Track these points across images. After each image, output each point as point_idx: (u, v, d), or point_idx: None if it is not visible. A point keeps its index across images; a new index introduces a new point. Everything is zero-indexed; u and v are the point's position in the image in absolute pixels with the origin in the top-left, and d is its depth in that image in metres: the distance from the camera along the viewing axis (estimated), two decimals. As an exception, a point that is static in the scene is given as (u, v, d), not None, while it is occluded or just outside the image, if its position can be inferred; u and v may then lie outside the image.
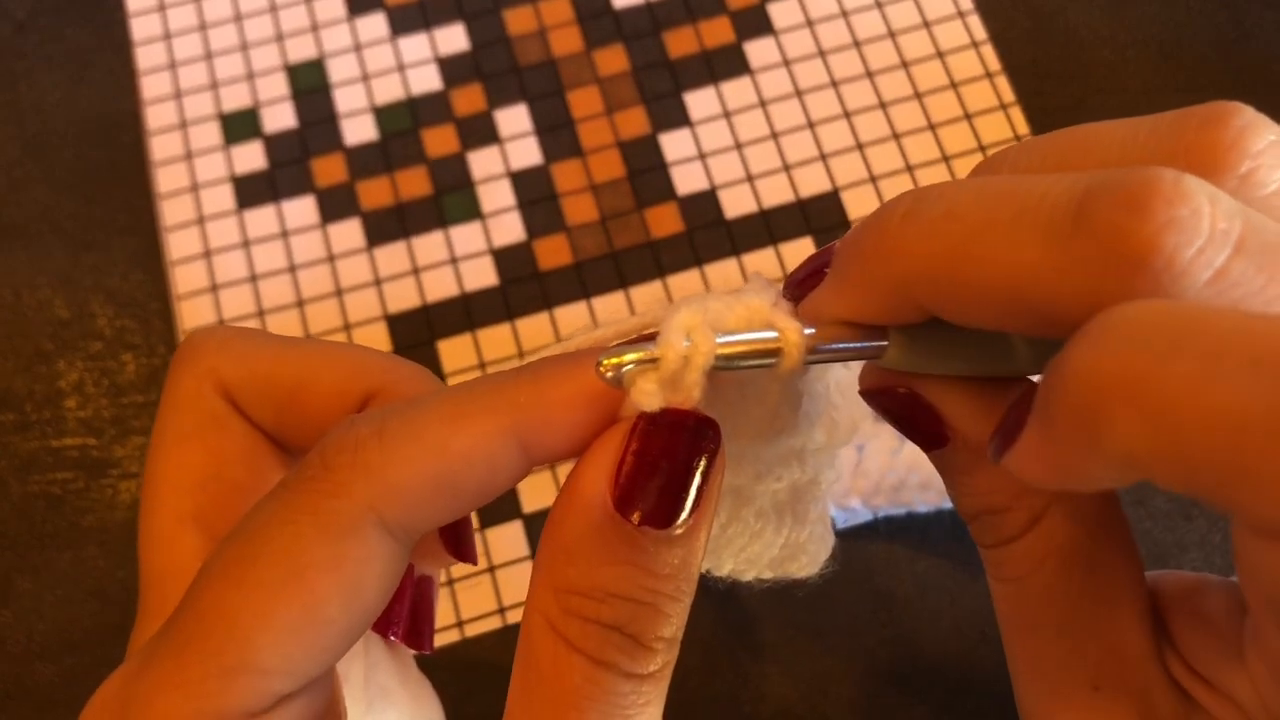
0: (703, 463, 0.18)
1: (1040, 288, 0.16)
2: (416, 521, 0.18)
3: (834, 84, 0.46)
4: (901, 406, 0.20)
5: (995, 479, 0.20)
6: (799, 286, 0.20)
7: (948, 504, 0.36)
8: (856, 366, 0.22)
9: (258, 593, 0.18)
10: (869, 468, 0.35)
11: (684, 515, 0.18)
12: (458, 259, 0.43)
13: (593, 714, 0.18)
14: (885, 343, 0.19)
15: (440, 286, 0.43)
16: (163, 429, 0.23)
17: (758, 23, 0.47)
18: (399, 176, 0.45)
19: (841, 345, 0.19)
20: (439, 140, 0.45)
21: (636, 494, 0.18)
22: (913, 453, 0.35)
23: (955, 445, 0.20)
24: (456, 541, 0.23)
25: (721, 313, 0.19)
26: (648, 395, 0.18)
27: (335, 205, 0.44)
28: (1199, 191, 0.15)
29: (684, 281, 0.43)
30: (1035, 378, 0.19)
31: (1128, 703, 0.19)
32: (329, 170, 0.45)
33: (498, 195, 0.44)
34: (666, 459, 0.18)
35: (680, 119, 0.45)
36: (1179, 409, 0.14)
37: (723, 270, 0.43)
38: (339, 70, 0.46)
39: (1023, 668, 0.20)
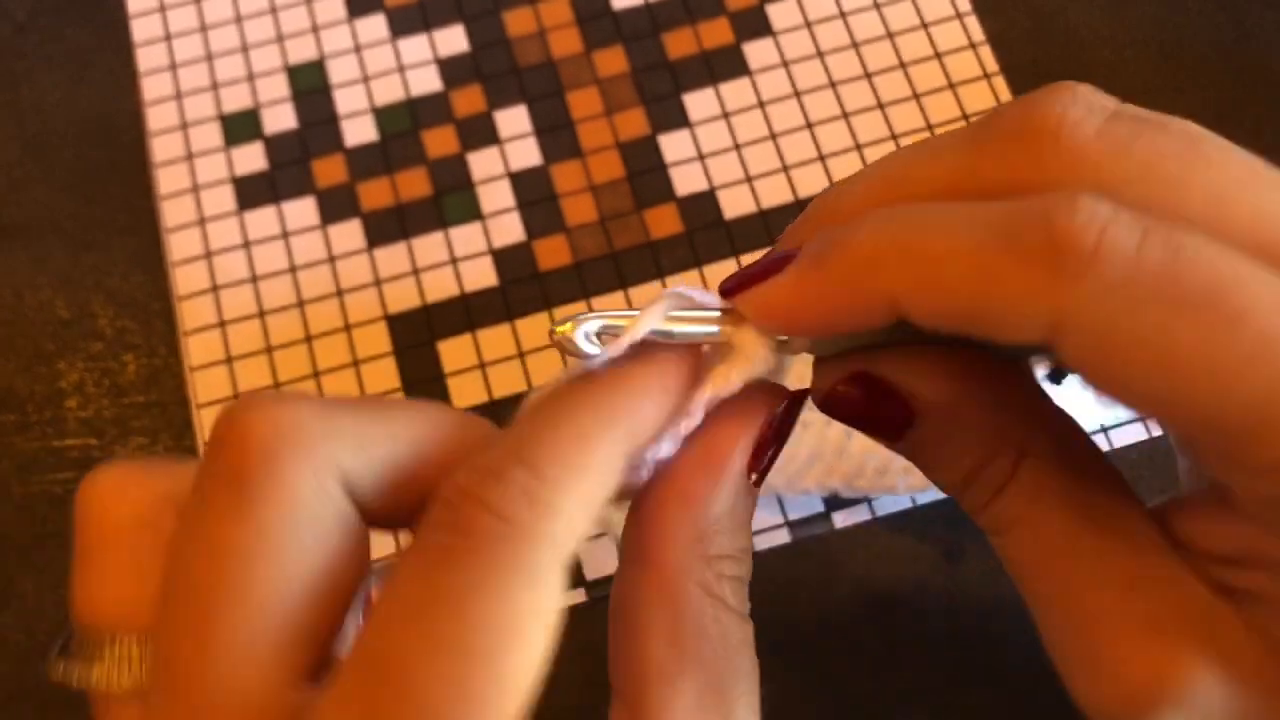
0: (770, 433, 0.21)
1: (1002, 301, 0.18)
2: (578, 544, 0.19)
3: (833, 85, 0.46)
4: (864, 399, 0.21)
5: (969, 438, 0.20)
6: (740, 286, 0.21)
7: (930, 492, 0.37)
8: None
9: (475, 660, 0.17)
10: (854, 452, 0.36)
11: (762, 474, 0.21)
12: (458, 259, 0.43)
13: (749, 659, 0.21)
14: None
15: (440, 287, 0.43)
16: (271, 537, 0.18)
17: (757, 24, 0.47)
18: (399, 177, 0.45)
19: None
20: (439, 141, 0.45)
21: (761, 463, 0.21)
22: None
23: (924, 420, 0.21)
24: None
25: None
26: (729, 381, 0.21)
27: (335, 206, 0.44)
28: (1074, 83, 0.19)
29: (683, 282, 0.43)
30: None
31: (1158, 595, 0.19)
32: (329, 171, 0.45)
33: (497, 196, 0.44)
34: (787, 432, 0.21)
35: (679, 120, 0.45)
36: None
37: (722, 270, 0.43)
38: (339, 71, 0.46)
39: (1052, 607, 0.20)
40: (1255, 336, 0.16)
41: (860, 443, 0.35)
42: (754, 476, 0.21)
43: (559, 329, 0.20)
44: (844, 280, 0.19)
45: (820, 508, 0.39)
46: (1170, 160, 0.18)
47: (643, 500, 0.21)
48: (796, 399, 0.22)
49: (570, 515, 0.18)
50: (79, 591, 0.20)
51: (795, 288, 0.20)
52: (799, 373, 0.22)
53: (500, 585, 0.17)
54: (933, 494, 0.37)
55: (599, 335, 0.20)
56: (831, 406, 0.21)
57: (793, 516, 0.39)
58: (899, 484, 0.36)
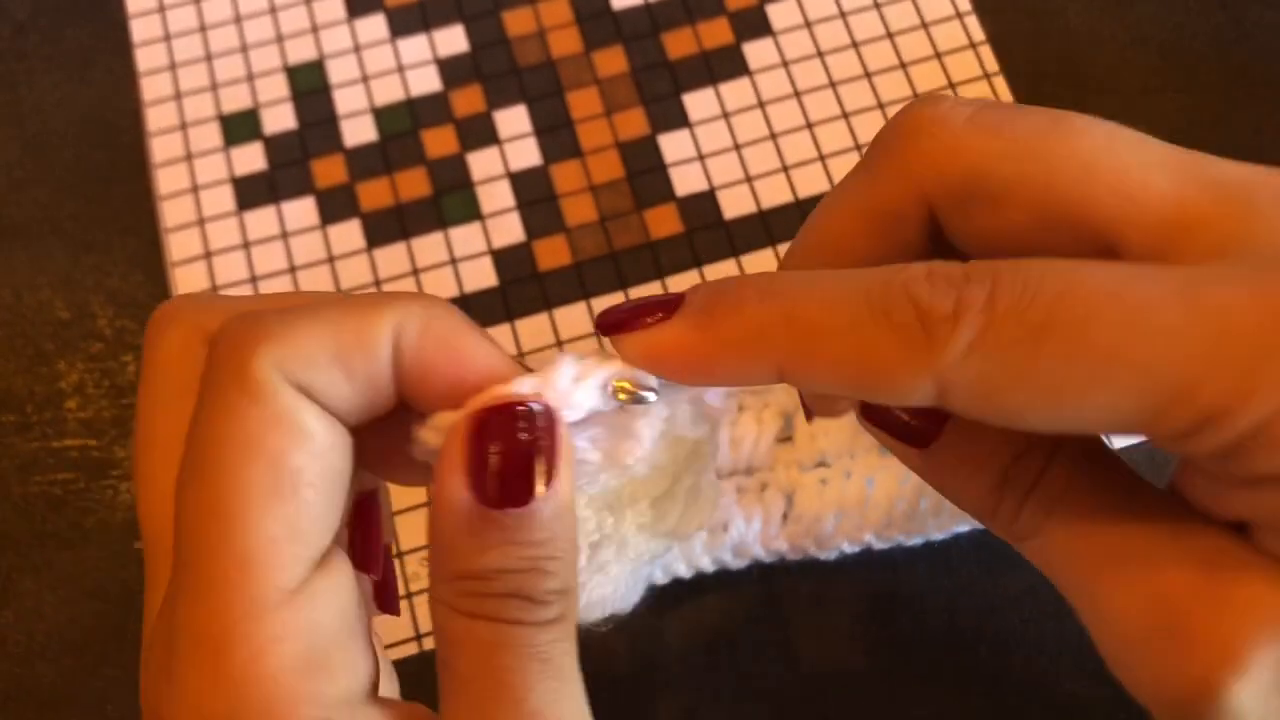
0: (541, 439, 0.20)
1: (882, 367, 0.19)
2: (321, 384, 0.20)
3: (833, 85, 0.46)
4: (901, 409, 0.22)
5: (998, 437, 0.21)
6: (620, 326, 0.21)
7: (961, 528, 0.36)
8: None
9: (224, 475, 0.19)
10: (878, 500, 0.35)
11: (539, 489, 0.20)
12: (457, 260, 0.43)
13: (508, 657, 0.20)
14: None
15: (440, 287, 0.43)
16: (154, 387, 0.22)
17: (756, 24, 0.47)
18: (399, 177, 0.45)
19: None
20: (438, 141, 0.45)
21: (490, 483, 0.20)
22: (919, 480, 0.35)
23: (954, 423, 0.21)
24: (388, 594, 0.25)
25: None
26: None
27: (335, 206, 0.44)
28: (941, 92, 0.21)
29: (683, 281, 0.43)
30: None
31: (1216, 571, 0.19)
32: (329, 171, 0.45)
33: (497, 196, 0.44)
34: (504, 445, 0.20)
35: (679, 120, 0.45)
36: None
37: (722, 270, 0.43)
38: (339, 72, 0.46)
39: (1096, 604, 0.20)
40: (1109, 332, 0.17)
41: (883, 490, 0.35)
42: (520, 499, 0.20)
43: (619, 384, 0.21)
44: (732, 345, 0.20)
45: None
46: (1038, 137, 0.20)
47: None
48: (486, 410, 0.21)
49: (289, 339, 0.20)
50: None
51: (680, 341, 0.20)
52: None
53: (225, 404, 0.19)
54: (960, 529, 0.36)
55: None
56: (869, 415, 0.23)
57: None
58: (929, 525, 0.36)
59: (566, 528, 0.21)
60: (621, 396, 0.21)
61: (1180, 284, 0.17)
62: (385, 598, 0.25)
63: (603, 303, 0.42)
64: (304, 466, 0.20)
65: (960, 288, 0.18)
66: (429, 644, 0.37)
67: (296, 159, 0.45)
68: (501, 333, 0.42)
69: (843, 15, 0.47)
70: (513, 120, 0.45)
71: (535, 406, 0.21)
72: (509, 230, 0.44)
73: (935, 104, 0.21)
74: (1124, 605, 0.20)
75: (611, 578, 0.25)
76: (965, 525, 0.36)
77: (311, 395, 0.20)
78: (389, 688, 0.23)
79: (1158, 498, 0.20)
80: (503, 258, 0.43)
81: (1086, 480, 0.21)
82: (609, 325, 0.21)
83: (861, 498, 0.35)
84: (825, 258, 0.22)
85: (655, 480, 0.24)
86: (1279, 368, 0.17)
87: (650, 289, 0.43)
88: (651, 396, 0.21)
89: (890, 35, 0.46)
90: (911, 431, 0.22)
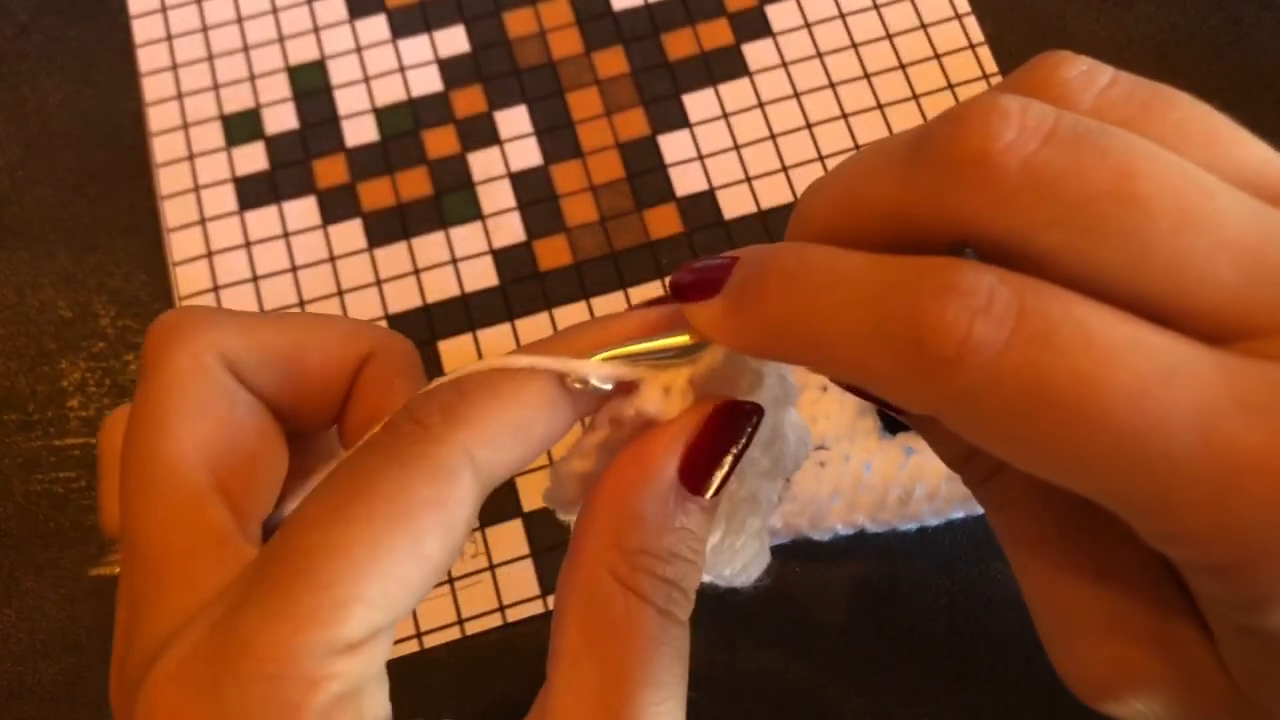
0: (741, 442, 0.22)
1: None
2: (499, 466, 0.21)
3: (832, 85, 0.46)
4: None
5: None
6: (687, 290, 0.22)
7: (955, 514, 0.36)
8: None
9: (368, 528, 0.19)
10: (874, 484, 0.35)
11: (715, 486, 0.22)
12: (458, 259, 0.43)
13: (666, 654, 0.21)
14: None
15: (440, 287, 0.43)
16: (158, 404, 0.22)
17: (756, 24, 0.47)
18: (399, 177, 0.45)
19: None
20: (439, 141, 0.45)
21: (700, 471, 0.21)
22: (918, 464, 0.35)
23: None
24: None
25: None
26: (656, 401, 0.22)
27: (336, 206, 0.44)
28: (1010, 100, 0.18)
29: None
30: None
31: (1133, 585, 0.20)
32: (330, 171, 0.45)
33: (498, 196, 0.44)
34: (726, 442, 0.22)
35: (679, 120, 0.45)
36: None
37: (722, 270, 0.43)
38: (340, 72, 0.47)
39: (1036, 589, 0.21)
40: (1113, 438, 0.16)
41: (880, 474, 0.35)
42: (704, 490, 0.21)
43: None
44: (755, 337, 0.20)
45: (819, 506, 0.39)
46: (1094, 204, 0.17)
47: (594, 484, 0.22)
48: (731, 408, 0.22)
49: (482, 430, 0.20)
50: (101, 511, 0.24)
51: (717, 324, 0.21)
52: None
53: (402, 474, 0.20)
54: (955, 515, 0.37)
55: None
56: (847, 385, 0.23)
57: (792, 515, 0.39)
58: (923, 511, 0.36)
59: (710, 523, 0.22)
60: (577, 385, 0.22)
61: (1205, 408, 0.16)
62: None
63: (602, 302, 0.43)
64: (436, 554, 0.20)
65: (975, 318, 0.17)
66: (429, 641, 0.38)
67: (298, 159, 0.45)
68: (502, 332, 0.42)
69: (842, 16, 0.47)
70: (513, 120, 0.46)
71: (758, 410, 0.22)
72: (509, 230, 0.44)
73: (994, 134, 0.18)
74: (1043, 618, 0.21)
75: (756, 532, 0.25)
76: (960, 511, 0.36)
77: (489, 476, 0.21)
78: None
79: (1111, 518, 0.20)
80: (503, 257, 0.43)
81: (1039, 489, 0.20)
82: (676, 290, 0.22)
83: (859, 479, 0.35)
84: (840, 235, 0.21)
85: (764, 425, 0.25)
86: (1266, 540, 0.16)
87: (650, 289, 0.43)
88: (606, 387, 0.22)
89: (889, 36, 0.46)
90: (889, 403, 0.22)
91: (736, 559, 0.26)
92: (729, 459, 0.22)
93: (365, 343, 0.24)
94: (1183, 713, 0.19)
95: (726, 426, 0.22)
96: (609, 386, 0.22)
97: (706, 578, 0.26)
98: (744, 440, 0.22)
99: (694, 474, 0.21)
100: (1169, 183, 0.17)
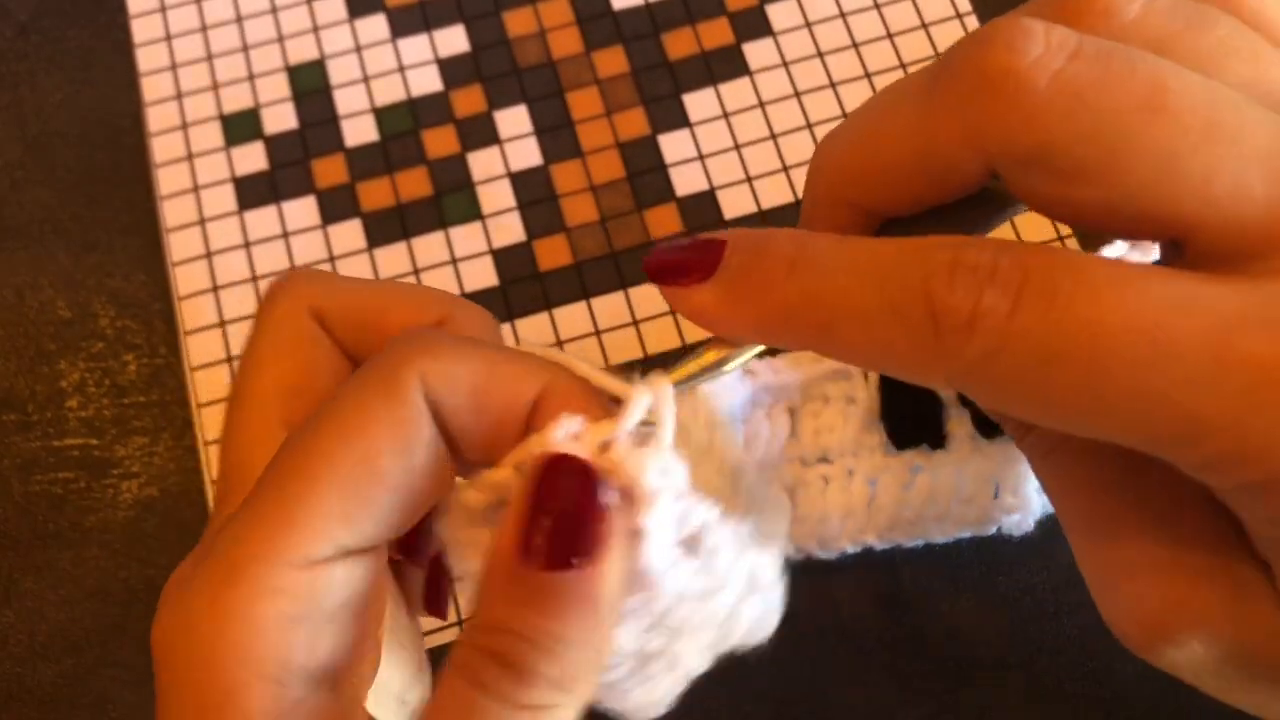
0: (599, 507, 0.20)
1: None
2: (449, 402, 0.21)
3: (833, 85, 0.46)
4: None
5: None
6: (669, 273, 0.21)
7: (964, 533, 0.36)
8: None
9: (324, 443, 0.20)
10: (883, 502, 0.35)
11: (578, 559, 0.19)
12: (458, 259, 0.43)
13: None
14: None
15: (440, 287, 0.43)
16: (257, 347, 0.25)
17: (756, 24, 0.47)
18: (399, 177, 0.45)
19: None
20: (439, 141, 0.45)
21: (533, 538, 0.19)
22: (926, 483, 0.35)
23: None
24: (435, 595, 0.26)
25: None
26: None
27: (336, 206, 0.44)
28: (1032, 21, 0.18)
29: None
30: None
31: (1185, 524, 0.20)
32: (330, 171, 0.45)
33: (498, 196, 0.44)
34: (556, 502, 0.20)
35: (679, 120, 0.45)
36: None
37: (722, 271, 0.43)
38: (340, 72, 0.46)
39: (1085, 533, 0.21)
40: (1129, 373, 0.16)
41: (888, 494, 0.34)
42: (537, 561, 0.19)
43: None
44: (759, 321, 0.20)
45: (820, 507, 0.39)
46: (1127, 116, 0.18)
47: None
48: (546, 465, 0.20)
49: (440, 355, 0.21)
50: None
51: (714, 308, 0.21)
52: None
53: (359, 392, 0.21)
54: (963, 534, 0.36)
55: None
56: None
57: (792, 516, 0.39)
58: (932, 531, 0.36)
59: (596, 618, 0.20)
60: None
61: (1215, 327, 0.16)
62: (430, 598, 0.26)
63: (603, 302, 0.43)
64: (392, 470, 0.20)
65: (983, 288, 0.17)
66: (430, 641, 0.38)
67: (297, 159, 0.45)
68: (502, 332, 0.42)
69: (843, 16, 0.47)
70: (513, 120, 0.46)
71: (594, 473, 0.20)
72: (509, 230, 0.44)
73: (1020, 51, 0.18)
74: (1093, 562, 0.21)
75: (674, 667, 0.24)
76: (968, 531, 0.36)
77: (437, 406, 0.21)
78: (416, 691, 0.24)
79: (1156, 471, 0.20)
80: (503, 257, 0.43)
81: (1080, 439, 0.21)
82: (654, 270, 0.21)
83: (866, 498, 0.35)
84: (865, 177, 0.21)
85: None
86: None
87: (650, 289, 0.43)
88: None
89: (890, 36, 0.46)
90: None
91: (643, 688, 0.24)
92: (588, 531, 0.19)
93: (441, 309, 0.25)
94: (1238, 653, 0.19)
95: (557, 488, 0.20)
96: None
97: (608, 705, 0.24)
98: (579, 498, 0.20)
99: (537, 548, 0.19)
100: (1198, 96, 0.18)
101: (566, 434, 0.20)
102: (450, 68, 0.47)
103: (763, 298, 0.20)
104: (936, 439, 0.34)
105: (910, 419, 0.34)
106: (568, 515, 0.20)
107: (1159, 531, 0.20)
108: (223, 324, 0.43)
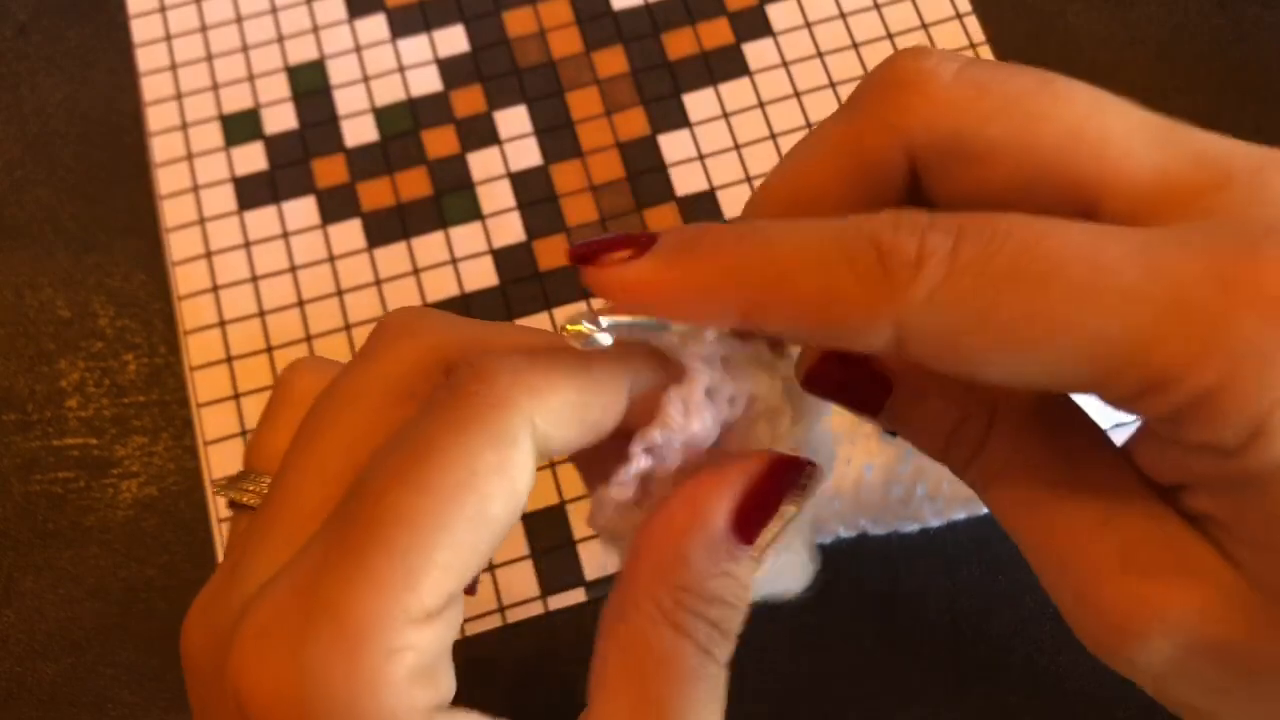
0: (795, 498, 0.22)
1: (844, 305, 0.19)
2: (556, 440, 0.21)
3: (833, 85, 0.46)
4: (840, 373, 0.23)
5: (942, 402, 0.22)
6: (598, 252, 0.22)
7: (958, 515, 0.36)
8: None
9: (435, 494, 0.20)
10: (876, 485, 0.35)
11: (766, 542, 0.22)
12: (458, 259, 0.43)
13: (702, 690, 0.22)
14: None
15: (440, 287, 0.43)
16: (355, 387, 0.23)
17: (757, 24, 0.47)
18: (399, 177, 0.45)
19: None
20: (439, 141, 0.45)
21: (752, 523, 0.22)
22: (919, 465, 0.35)
23: (899, 386, 0.22)
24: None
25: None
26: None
27: (336, 206, 0.44)
28: (919, 47, 0.21)
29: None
30: None
31: (1138, 524, 0.20)
32: (330, 171, 0.45)
33: (498, 196, 0.44)
34: (778, 497, 0.22)
35: (679, 120, 0.45)
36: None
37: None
38: (339, 72, 0.46)
39: (1042, 550, 0.21)
40: (1069, 289, 0.17)
41: (881, 475, 0.35)
42: (753, 541, 0.22)
43: (572, 327, 0.21)
44: (703, 283, 0.20)
45: (820, 507, 0.39)
46: (1025, 97, 0.20)
47: (645, 521, 0.22)
48: (788, 465, 0.22)
49: (548, 397, 0.21)
50: (255, 438, 0.26)
51: (655, 276, 0.21)
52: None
53: (466, 438, 0.20)
54: (957, 516, 0.37)
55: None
56: (813, 383, 0.23)
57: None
58: (925, 512, 0.36)
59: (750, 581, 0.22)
60: (573, 340, 0.21)
61: (1142, 244, 0.18)
62: None
63: (602, 302, 0.42)
64: (500, 516, 0.20)
65: (925, 234, 0.18)
66: (471, 629, 0.37)
67: (297, 159, 0.45)
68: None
69: (843, 16, 0.47)
70: (513, 120, 0.46)
71: (812, 466, 0.22)
72: (509, 230, 0.44)
73: (923, 56, 0.21)
74: (1052, 578, 0.21)
75: (798, 548, 0.25)
76: (962, 513, 0.36)
77: (543, 446, 0.21)
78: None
79: (1101, 465, 0.21)
80: (503, 257, 0.43)
81: (1032, 439, 0.21)
82: (580, 256, 0.22)
83: (859, 481, 0.35)
84: (798, 203, 0.22)
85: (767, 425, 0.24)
86: (1225, 338, 0.17)
87: (650, 289, 0.43)
88: (606, 339, 0.21)
89: (890, 36, 0.46)
90: (858, 403, 0.23)
91: (781, 578, 0.26)
92: (781, 516, 0.22)
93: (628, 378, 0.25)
94: (1210, 642, 0.19)
95: (781, 482, 0.22)
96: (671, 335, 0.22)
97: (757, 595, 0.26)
98: (798, 497, 0.22)
99: (745, 525, 0.22)
100: (1076, 83, 0.21)
101: (677, 415, 0.22)
102: (450, 68, 0.47)
103: (710, 260, 0.20)
104: None
105: None
106: (774, 505, 0.22)
107: (1114, 535, 0.20)
108: (222, 324, 0.43)
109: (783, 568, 0.26)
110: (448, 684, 0.21)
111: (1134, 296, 0.17)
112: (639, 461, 0.22)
